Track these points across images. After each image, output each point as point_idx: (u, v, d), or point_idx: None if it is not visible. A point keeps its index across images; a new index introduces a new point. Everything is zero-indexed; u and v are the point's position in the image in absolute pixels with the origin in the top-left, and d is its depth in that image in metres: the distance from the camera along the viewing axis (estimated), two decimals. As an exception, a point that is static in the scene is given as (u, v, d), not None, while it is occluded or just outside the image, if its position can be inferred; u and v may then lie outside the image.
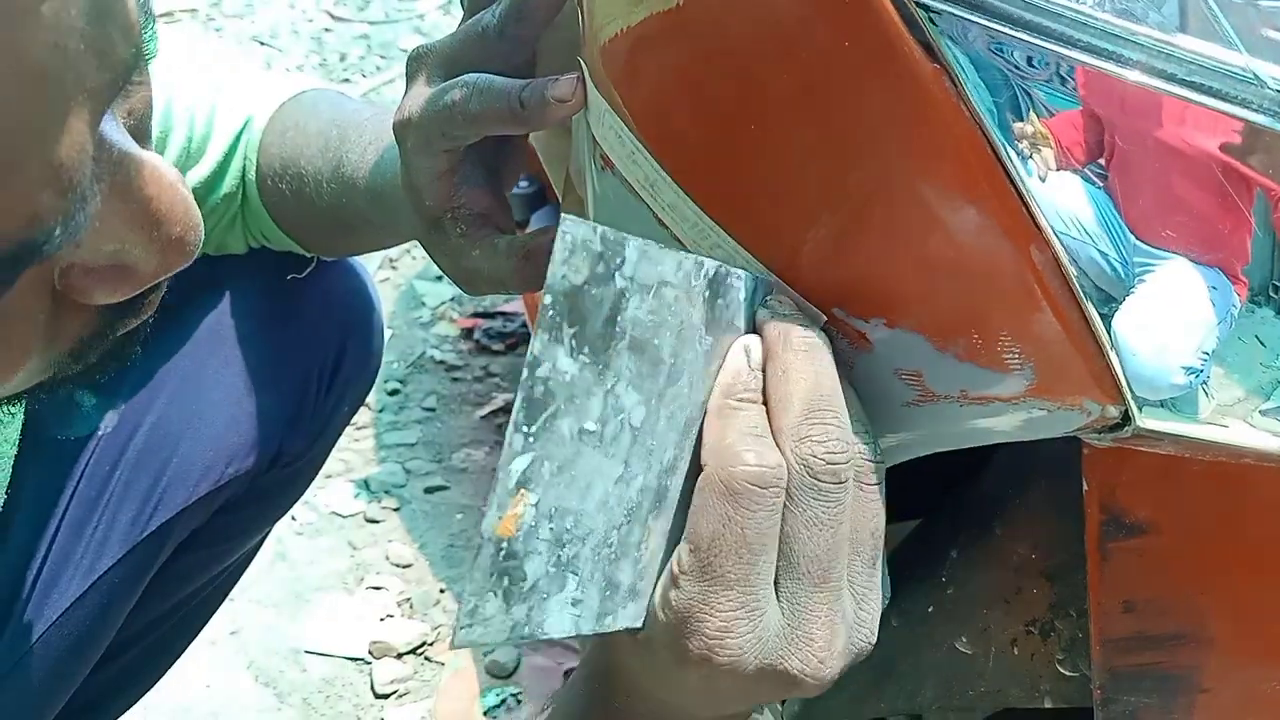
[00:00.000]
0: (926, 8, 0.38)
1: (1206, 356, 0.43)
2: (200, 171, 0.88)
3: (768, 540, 0.41)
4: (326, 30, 3.60)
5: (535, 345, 0.39)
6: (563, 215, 0.40)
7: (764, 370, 0.43)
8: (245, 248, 0.95)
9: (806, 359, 0.42)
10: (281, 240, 0.92)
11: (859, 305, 0.44)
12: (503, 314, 2.29)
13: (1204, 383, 0.43)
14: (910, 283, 0.42)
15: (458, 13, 0.64)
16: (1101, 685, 0.48)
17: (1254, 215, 0.43)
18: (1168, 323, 0.41)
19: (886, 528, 0.45)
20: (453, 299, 2.36)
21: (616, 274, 0.40)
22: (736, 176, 0.45)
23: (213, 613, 1.12)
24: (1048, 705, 0.57)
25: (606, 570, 0.42)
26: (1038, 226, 0.39)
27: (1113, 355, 0.40)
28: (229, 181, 0.89)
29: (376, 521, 1.82)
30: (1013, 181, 0.38)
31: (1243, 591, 0.46)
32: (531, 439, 0.39)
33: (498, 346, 2.22)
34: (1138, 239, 0.42)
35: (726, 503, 0.41)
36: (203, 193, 0.89)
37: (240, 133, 0.89)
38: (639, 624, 0.44)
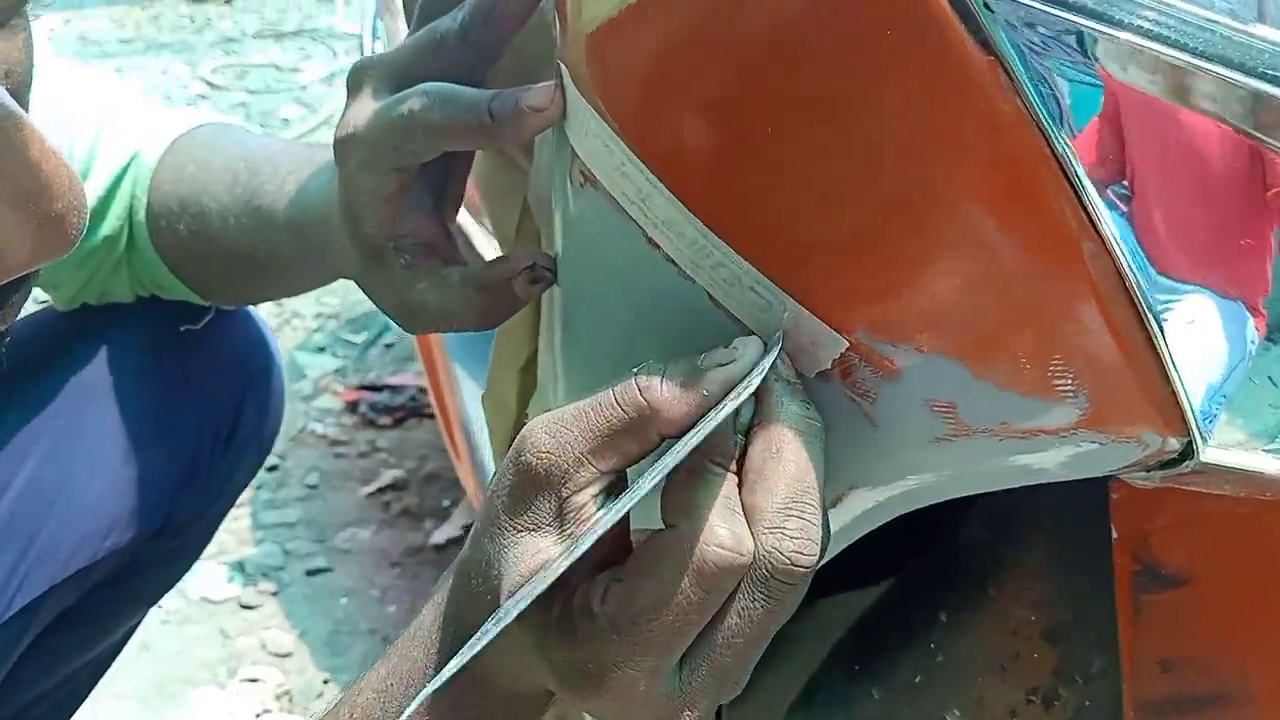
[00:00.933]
0: (983, -6, 0.34)
1: (1223, 400, 0.39)
2: None
3: (707, 617, 0.40)
4: (202, 98, 3.49)
5: None
6: None
7: (747, 436, 0.41)
8: (132, 296, 0.87)
9: (801, 442, 0.40)
10: (175, 288, 0.83)
11: (888, 328, 0.39)
12: (389, 387, 2.20)
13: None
14: (949, 301, 0.38)
15: (341, 85, 0.59)
16: (1135, 754, 0.44)
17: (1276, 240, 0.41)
18: (1186, 365, 0.38)
19: (853, 593, 0.42)
20: (336, 371, 2.26)
21: None
22: (748, 187, 0.40)
23: (75, 709, 1.00)
24: (1052, 781, 0.53)
25: None
26: (1099, 234, 0.35)
27: (1178, 380, 0.36)
28: (111, 222, 0.81)
29: (252, 607, 1.69)
30: (1072, 185, 0.35)
31: (1293, 644, 0.42)
32: None
33: (384, 421, 2.13)
34: (1156, 271, 0.39)
35: (688, 575, 0.39)
36: None
37: (125, 169, 0.81)
38: None
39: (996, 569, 0.55)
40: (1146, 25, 0.33)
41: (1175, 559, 0.43)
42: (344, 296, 2.51)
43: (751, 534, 0.39)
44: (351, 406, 2.16)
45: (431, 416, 2.17)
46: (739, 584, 0.40)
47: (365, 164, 0.54)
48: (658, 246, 0.44)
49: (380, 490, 1.96)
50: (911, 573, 0.59)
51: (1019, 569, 0.54)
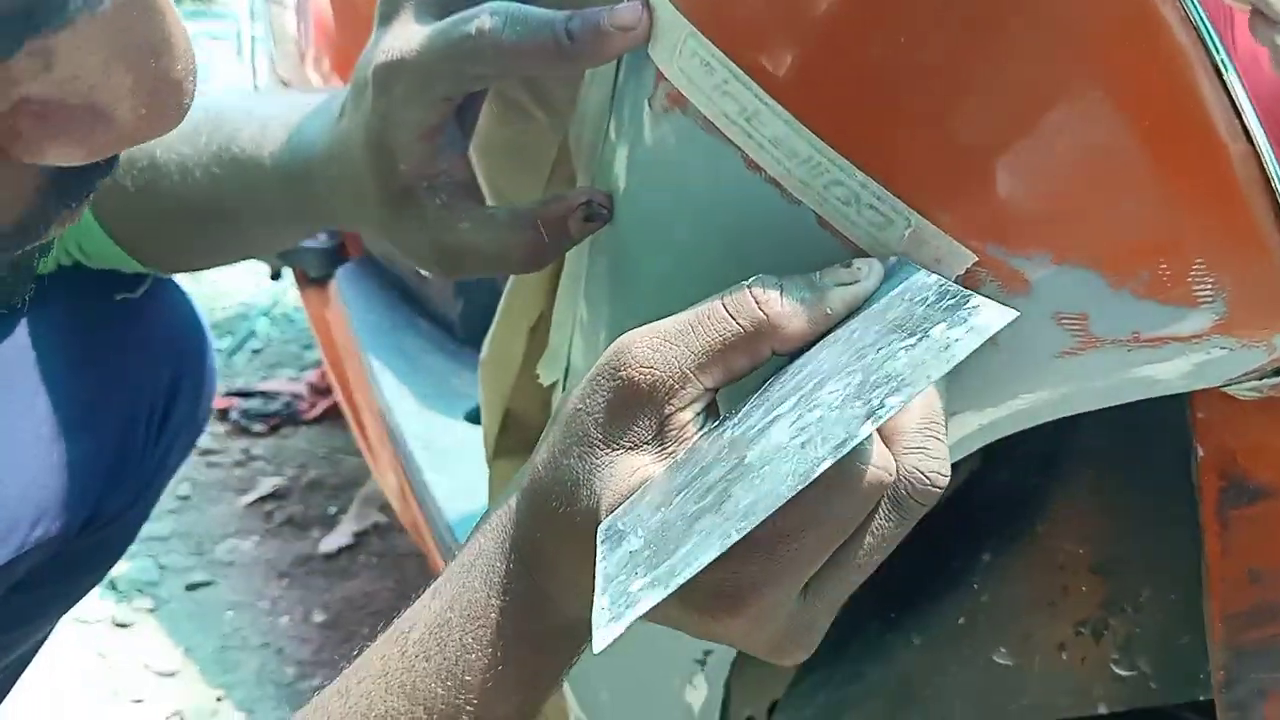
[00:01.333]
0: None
1: None
2: None
3: (848, 534, 0.39)
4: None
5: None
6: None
7: None
8: (54, 265, 0.80)
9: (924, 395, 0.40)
10: (107, 252, 0.77)
11: (1019, 239, 0.39)
12: (262, 393, 2.10)
13: None
14: (1090, 207, 0.38)
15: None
16: (1224, 666, 0.45)
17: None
18: None
19: None
20: (203, 379, 2.15)
21: None
22: (873, 96, 0.40)
23: (-24, 724, 0.91)
24: (1102, 710, 0.53)
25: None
26: (1249, 138, 0.36)
27: (1318, 279, 0.37)
28: None
29: (127, 625, 1.58)
30: (1226, 89, 0.36)
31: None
32: None
33: (259, 428, 2.03)
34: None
35: (839, 493, 0.38)
36: None
37: None
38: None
39: (1042, 507, 0.56)
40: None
41: (1262, 473, 0.44)
42: (208, 302, 2.39)
43: (892, 454, 0.39)
44: (222, 414, 2.05)
45: (308, 422, 2.09)
46: (877, 503, 0.39)
47: (414, 92, 0.50)
48: (759, 169, 0.43)
49: (260, 499, 1.87)
50: (947, 517, 0.60)
51: (1065, 506, 0.55)
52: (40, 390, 0.78)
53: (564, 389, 0.62)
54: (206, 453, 1.95)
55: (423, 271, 0.58)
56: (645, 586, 0.36)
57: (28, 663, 0.92)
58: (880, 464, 0.38)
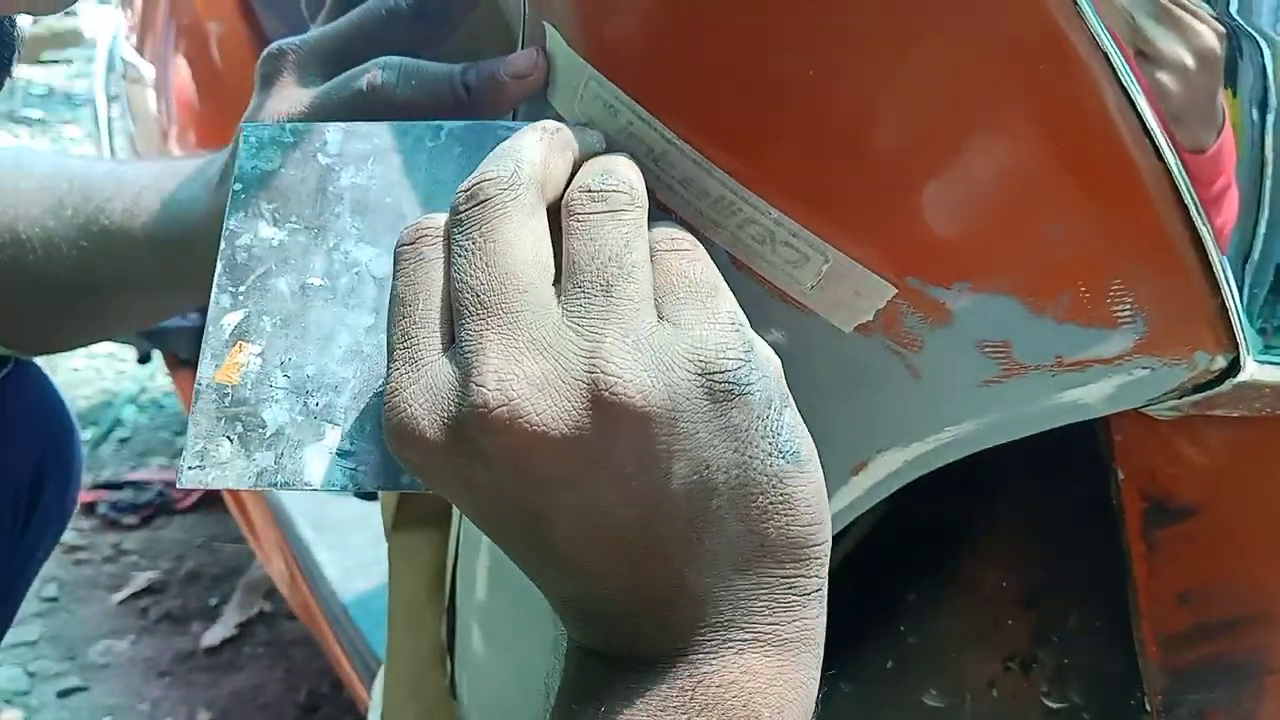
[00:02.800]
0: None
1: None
2: None
3: (417, 290, 0.37)
4: None
5: (230, 222, 0.44)
6: (242, 124, 0.45)
7: None
8: None
9: None
10: None
11: (938, 269, 0.39)
12: (132, 484, 2.00)
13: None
14: (1003, 232, 0.38)
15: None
16: (1162, 690, 0.45)
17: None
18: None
19: None
20: (66, 472, 2.04)
21: (318, 154, 0.44)
22: (784, 134, 0.39)
23: None
24: (1039, 747, 0.53)
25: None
26: (1159, 156, 0.36)
27: (1228, 290, 0.37)
28: None
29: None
30: (1134, 107, 0.36)
31: (1302, 560, 0.44)
32: (242, 297, 0.43)
33: (130, 520, 1.93)
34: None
35: (393, 274, 0.38)
36: None
37: None
38: None
39: (965, 539, 0.55)
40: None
41: (1183, 492, 0.44)
42: (68, 390, 2.28)
43: None
44: (88, 508, 1.94)
45: (182, 511, 1.99)
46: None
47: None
48: (671, 211, 0.42)
49: (135, 595, 1.77)
50: (866, 559, 0.59)
51: (989, 537, 0.54)
52: None
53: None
54: (73, 549, 1.84)
55: None
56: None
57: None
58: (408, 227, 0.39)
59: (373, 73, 0.46)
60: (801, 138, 0.39)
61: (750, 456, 0.35)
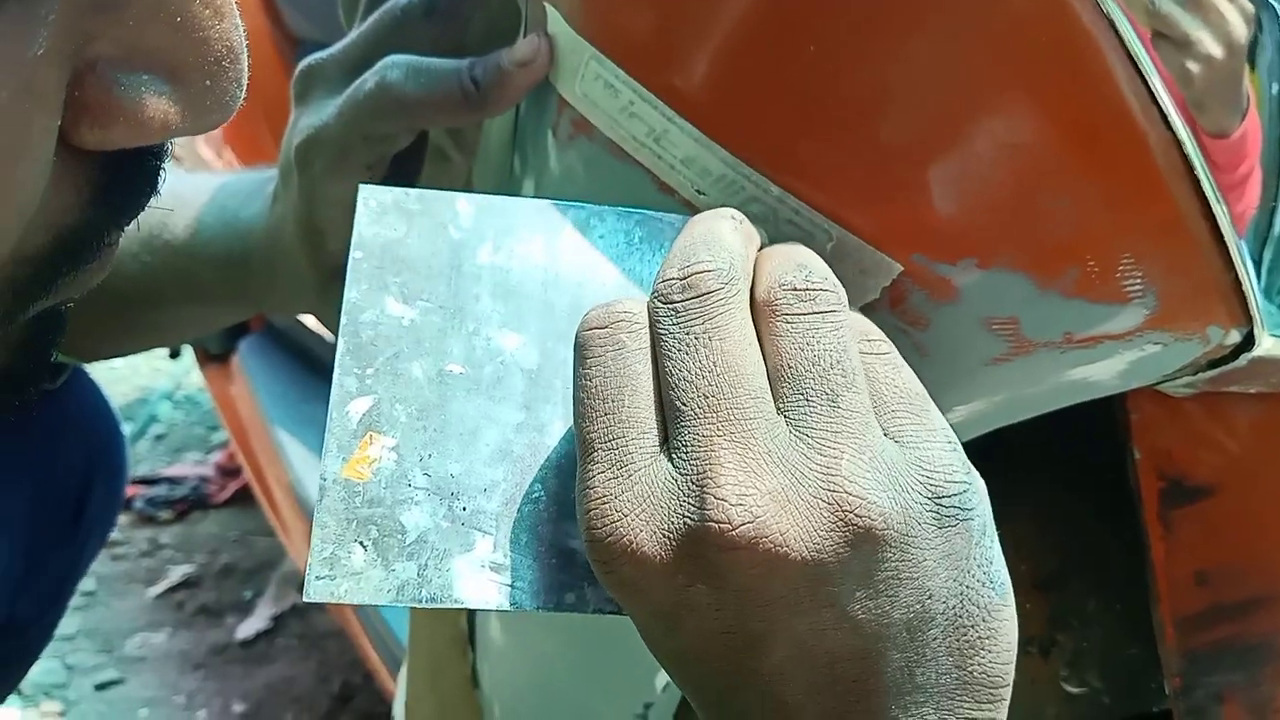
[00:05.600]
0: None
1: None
2: None
3: (621, 383, 0.34)
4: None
5: (351, 294, 0.39)
6: (360, 186, 0.40)
7: None
8: None
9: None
10: None
11: (944, 247, 0.38)
12: (168, 479, 2.02)
13: None
14: (1010, 208, 0.37)
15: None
16: (1180, 672, 0.44)
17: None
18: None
19: None
20: (103, 468, 2.07)
21: (449, 226, 0.40)
22: (785, 110, 0.39)
23: None
24: (1058, 731, 0.52)
25: (544, 533, 0.37)
26: (1169, 127, 0.35)
27: (1242, 266, 0.37)
28: None
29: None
30: (1143, 78, 0.35)
31: (1323, 540, 0.43)
32: (370, 381, 0.38)
33: (165, 515, 1.95)
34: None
35: (576, 363, 0.35)
36: None
37: None
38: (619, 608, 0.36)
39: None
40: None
41: (1200, 471, 0.43)
42: (105, 388, 2.31)
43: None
44: (125, 503, 1.97)
45: (217, 506, 2.01)
46: (651, 337, 0.35)
47: (333, 165, 0.48)
48: (672, 192, 0.42)
49: (171, 589, 1.79)
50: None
51: (1005, 525, 0.53)
52: None
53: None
54: (111, 544, 1.86)
55: None
56: None
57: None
58: (598, 310, 0.36)
59: (383, 72, 0.46)
60: (804, 116, 0.39)
61: (967, 586, 0.33)
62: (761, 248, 0.37)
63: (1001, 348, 0.39)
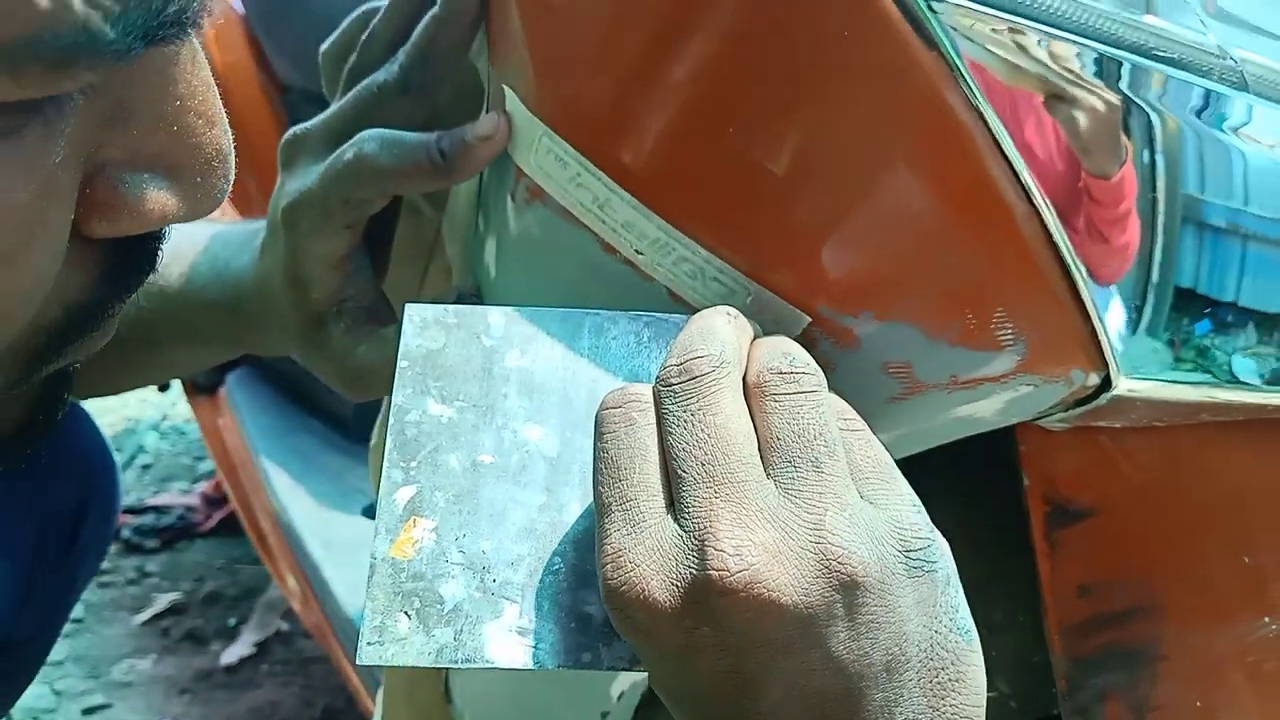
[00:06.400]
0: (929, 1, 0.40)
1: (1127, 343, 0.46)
2: None
3: (632, 454, 0.40)
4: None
5: (398, 397, 0.45)
6: (405, 304, 0.47)
7: None
8: None
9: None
10: None
11: (847, 301, 0.44)
12: (154, 508, 2.07)
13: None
14: (902, 269, 0.43)
15: None
16: (1066, 675, 0.50)
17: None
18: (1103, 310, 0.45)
19: None
20: (90, 498, 2.11)
21: (482, 336, 0.46)
22: (709, 183, 0.45)
23: None
24: (971, 733, 0.57)
25: (563, 600, 0.42)
26: (1030, 200, 0.42)
27: (1098, 320, 0.43)
28: None
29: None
30: (1006, 159, 0.41)
31: (1188, 557, 0.49)
32: (414, 472, 0.44)
33: (152, 543, 1.99)
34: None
35: (596, 437, 0.41)
36: None
37: None
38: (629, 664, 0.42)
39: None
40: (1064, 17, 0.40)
41: (1081, 496, 0.49)
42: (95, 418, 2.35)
43: None
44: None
45: (203, 535, 2.06)
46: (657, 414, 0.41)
47: (316, 225, 0.54)
48: (615, 251, 0.48)
49: (157, 616, 1.83)
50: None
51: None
52: None
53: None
54: (98, 573, 1.90)
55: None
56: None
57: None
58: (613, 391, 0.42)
59: (360, 144, 0.52)
60: (724, 190, 0.45)
61: (936, 631, 0.38)
62: (756, 337, 0.43)
63: (898, 388, 0.45)
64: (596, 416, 0.41)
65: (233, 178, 0.37)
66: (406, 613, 0.41)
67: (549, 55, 0.48)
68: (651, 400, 0.40)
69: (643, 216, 0.46)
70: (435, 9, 0.53)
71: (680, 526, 0.38)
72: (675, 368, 0.40)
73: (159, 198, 0.35)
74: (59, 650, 1.76)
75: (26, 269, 0.34)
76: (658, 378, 0.41)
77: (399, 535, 0.42)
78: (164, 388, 1.68)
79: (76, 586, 0.88)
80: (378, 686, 1.04)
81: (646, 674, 0.42)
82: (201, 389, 1.48)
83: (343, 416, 1.34)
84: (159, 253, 0.40)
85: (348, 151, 0.52)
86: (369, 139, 0.52)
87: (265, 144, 1.34)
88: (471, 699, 0.74)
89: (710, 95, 0.44)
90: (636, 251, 0.47)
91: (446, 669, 0.78)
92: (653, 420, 0.40)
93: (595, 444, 0.40)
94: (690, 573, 0.37)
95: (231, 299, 0.64)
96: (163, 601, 1.86)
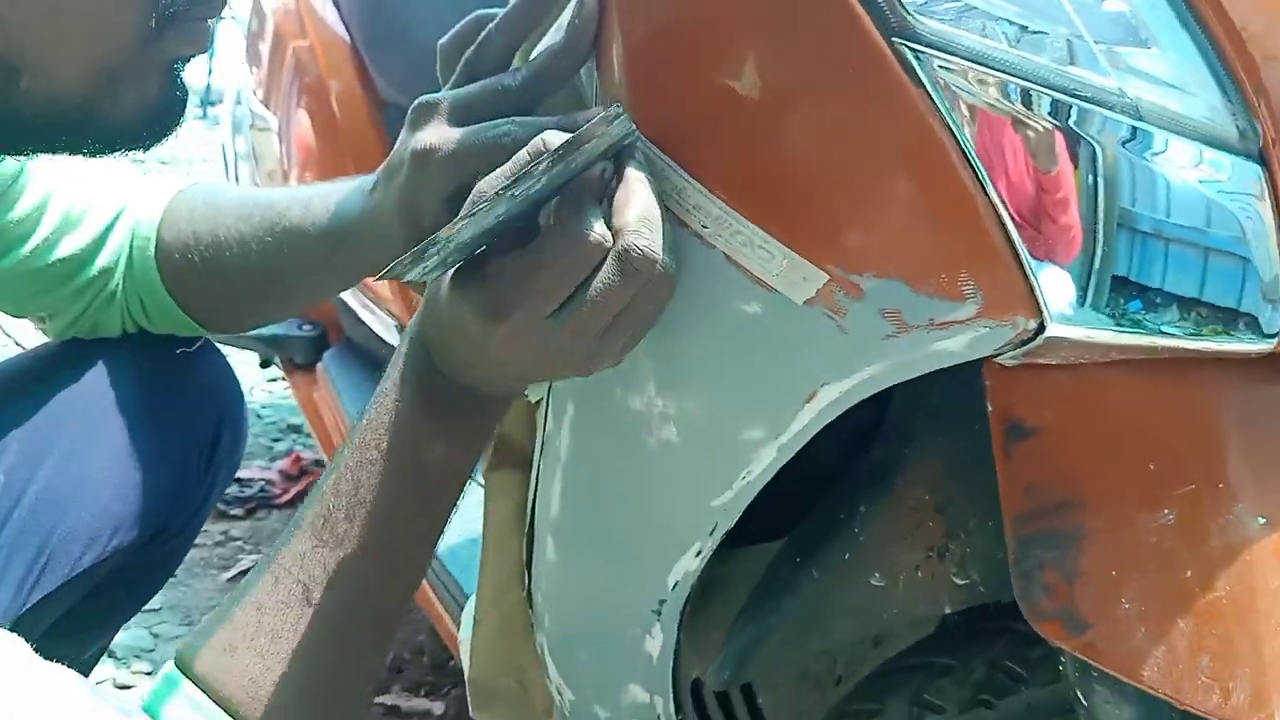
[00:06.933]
0: (911, 49, 0.58)
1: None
2: (79, 239, 0.94)
3: (577, 279, 0.60)
4: None
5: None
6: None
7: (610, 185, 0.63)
8: (120, 330, 1.00)
9: (648, 188, 0.62)
10: (169, 316, 0.97)
11: (854, 263, 0.62)
12: (238, 480, 2.26)
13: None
14: (894, 241, 0.61)
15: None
16: (1014, 551, 0.66)
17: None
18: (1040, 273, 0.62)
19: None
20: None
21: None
22: (763, 179, 0.63)
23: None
24: (947, 610, 0.74)
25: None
26: (988, 195, 0.59)
27: (1035, 281, 0.60)
28: (106, 255, 0.95)
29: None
30: (972, 166, 0.58)
31: (1104, 464, 0.65)
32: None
33: (236, 511, 2.19)
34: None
35: (569, 250, 0.60)
36: (80, 261, 0.94)
37: (118, 215, 0.95)
38: None
39: (900, 471, 0.77)
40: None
41: (1029, 417, 0.66)
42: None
43: (614, 234, 0.60)
44: (200, 500, 2.21)
45: (280, 506, 2.25)
46: (603, 262, 0.60)
47: (448, 169, 0.70)
48: (687, 226, 0.65)
49: (240, 574, 2.02)
50: (837, 485, 0.81)
51: (915, 465, 0.76)
52: (117, 425, 0.98)
53: (547, 406, 0.83)
54: (190, 535, 2.11)
55: None
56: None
57: (90, 669, 1.08)
58: (600, 233, 0.60)
59: (511, 127, 0.69)
60: (771, 184, 0.62)
61: None
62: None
63: (891, 328, 0.62)
64: (575, 242, 0.61)
65: None
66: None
67: (641, 79, 0.66)
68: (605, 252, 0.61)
69: (708, 201, 0.64)
70: (557, 43, 0.71)
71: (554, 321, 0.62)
72: (639, 254, 0.61)
73: None
74: (156, 599, 1.95)
75: None
76: (626, 248, 0.61)
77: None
78: (265, 364, 1.87)
79: (213, 495, 1.07)
80: (460, 609, 1.22)
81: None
82: (299, 366, 1.67)
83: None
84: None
85: (498, 128, 0.69)
86: (520, 125, 0.69)
87: (367, 150, 1.53)
88: (549, 597, 0.92)
89: (758, 120, 0.62)
90: (703, 226, 0.65)
91: (528, 581, 0.95)
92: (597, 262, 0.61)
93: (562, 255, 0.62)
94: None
95: (341, 229, 0.82)
96: (246, 562, 2.05)
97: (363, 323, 1.50)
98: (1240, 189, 0.61)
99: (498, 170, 0.62)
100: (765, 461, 0.68)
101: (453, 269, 0.64)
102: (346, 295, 1.57)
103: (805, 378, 0.66)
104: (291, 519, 0.69)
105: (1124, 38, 0.59)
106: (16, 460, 0.93)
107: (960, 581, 0.74)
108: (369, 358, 1.59)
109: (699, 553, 0.74)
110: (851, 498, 0.80)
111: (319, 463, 2.32)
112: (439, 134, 0.72)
